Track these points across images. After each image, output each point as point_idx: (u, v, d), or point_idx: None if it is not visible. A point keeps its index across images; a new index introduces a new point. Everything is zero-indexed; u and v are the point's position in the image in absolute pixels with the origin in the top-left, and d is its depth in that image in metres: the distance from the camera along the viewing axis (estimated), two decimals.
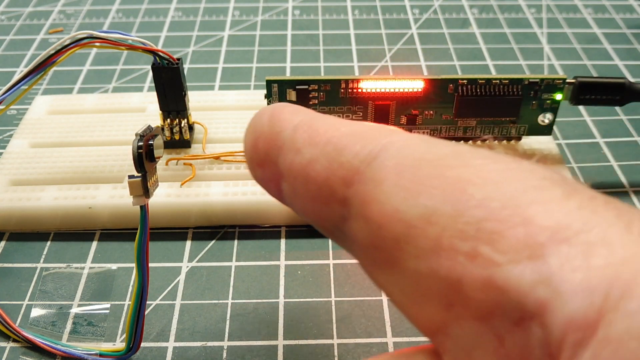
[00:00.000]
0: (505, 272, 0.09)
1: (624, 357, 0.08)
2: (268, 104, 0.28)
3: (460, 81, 0.28)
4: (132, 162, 0.19)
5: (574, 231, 0.09)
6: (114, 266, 0.27)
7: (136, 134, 0.20)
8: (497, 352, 0.10)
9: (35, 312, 0.25)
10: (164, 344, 0.23)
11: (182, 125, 0.29)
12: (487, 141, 0.30)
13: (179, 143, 0.30)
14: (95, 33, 0.25)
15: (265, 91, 0.28)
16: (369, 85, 0.27)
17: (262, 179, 0.15)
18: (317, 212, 0.13)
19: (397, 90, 0.28)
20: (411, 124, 0.29)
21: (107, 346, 0.23)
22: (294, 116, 0.14)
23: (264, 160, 0.14)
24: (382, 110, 0.28)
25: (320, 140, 0.13)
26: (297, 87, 0.27)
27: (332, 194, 0.12)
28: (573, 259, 0.09)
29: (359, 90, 0.28)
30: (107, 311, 0.25)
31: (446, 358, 0.11)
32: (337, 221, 0.12)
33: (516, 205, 0.10)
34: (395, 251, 0.11)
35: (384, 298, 0.25)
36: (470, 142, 0.30)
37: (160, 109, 0.29)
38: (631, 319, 0.08)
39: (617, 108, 0.36)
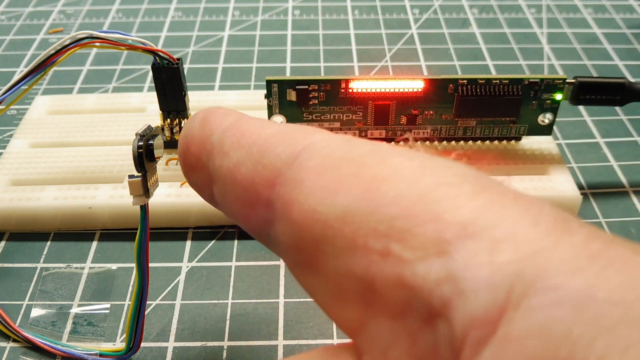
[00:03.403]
0: (413, 269, 0.09)
1: (522, 356, 0.08)
2: (268, 104, 0.28)
3: (460, 81, 0.28)
4: (132, 162, 0.19)
5: (480, 227, 0.09)
6: (114, 266, 0.27)
7: (136, 134, 0.19)
8: (410, 350, 0.09)
9: (35, 312, 0.25)
10: (164, 344, 0.23)
11: (182, 125, 0.29)
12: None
13: None
14: (95, 33, 0.25)
15: (265, 91, 0.28)
16: (369, 85, 0.27)
17: (195, 184, 0.14)
18: (244, 215, 0.13)
19: (397, 90, 0.28)
20: (411, 124, 0.29)
21: (107, 346, 0.23)
22: (224, 119, 0.13)
23: (196, 165, 0.14)
24: (382, 110, 0.28)
25: (246, 142, 0.13)
26: (297, 87, 0.27)
27: (257, 197, 0.12)
28: (478, 255, 0.09)
29: (359, 90, 0.28)
30: (107, 311, 0.25)
31: (365, 358, 0.10)
32: (263, 224, 0.12)
33: (427, 202, 0.10)
34: (315, 252, 0.11)
35: None
36: (466, 142, 0.30)
37: (160, 109, 0.29)
38: (531, 316, 0.08)
39: (617, 108, 0.36)
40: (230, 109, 0.14)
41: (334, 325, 0.24)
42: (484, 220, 0.09)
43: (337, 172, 0.11)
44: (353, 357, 0.11)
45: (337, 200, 0.10)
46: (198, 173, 0.14)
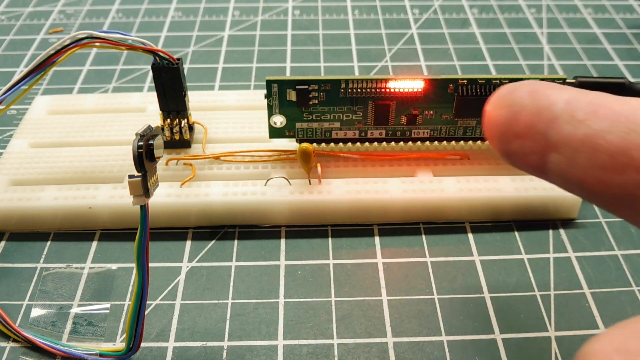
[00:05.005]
0: None
1: None
2: (268, 104, 0.28)
3: (460, 81, 0.28)
4: (132, 162, 0.19)
5: None
6: (114, 266, 0.27)
7: (136, 134, 0.20)
8: None
9: (35, 312, 0.25)
10: (164, 344, 0.23)
11: (182, 125, 0.29)
12: None
13: (179, 143, 0.30)
14: (95, 33, 0.25)
15: (265, 91, 0.28)
16: (369, 85, 0.27)
17: (518, 152, 0.15)
18: (603, 180, 0.14)
19: (397, 90, 0.28)
20: (411, 124, 0.29)
21: (107, 346, 0.23)
22: (562, 92, 0.15)
23: (526, 133, 0.15)
24: (382, 110, 0.28)
25: (607, 112, 0.14)
26: (297, 87, 0.27)
27: (629, 162, 0.13)
28: None
29: (359, 90, 0.28)
30: (107, 311, 0.25)
31: None
32: (631, 188, 0.13)
33: None
34: None
35: (384, 298, 0.25)
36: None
37: (160, 109, 0.29)
38: None
39: None
40: (556, 84, 0.15)
41: (334, 326, 0.24)
42: None
43: None
44: None
45: None
46: (527, 141, 0.15)
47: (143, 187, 0.20)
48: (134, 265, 0.25)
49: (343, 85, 0.27)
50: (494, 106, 0.16)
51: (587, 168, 0.14)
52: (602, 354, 0.12)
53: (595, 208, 0.29)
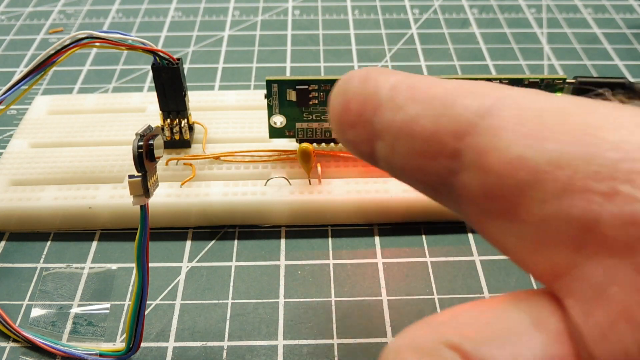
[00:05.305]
0: None
1: None
2: (268, 104, 0.28)
3: None
4: (132, 162, 0.19)
5: None
6: (114, 266, 0.27)
7: (136, 134, 0.20)
8: (637, 283, 0.10)
9: (35, 312, 0.25)
10: (164, 344, 0.23)
11: (182, 125, 0.29)
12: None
13: (179, 143, 0.30)
14: (95, 33, 0.25)
15: (265, 91, 0.28)
16: None
17: (352, 141, 0.15)
18: (421, 167, 0.13)
19: None
20: None
21: (107, 346, 0.23)
22: (389, 77, 0.14)
23: (357, 121, 0.14)
24: None
25: (423, 96, 0.13)
26: (297, 87, 0.27)
27: (440, 148, 0.12)
28: None
29: None
30: (107, 311, 0.25)
31: (571, 300, 0.11)
32: (444, 175, 0.12)
33: None
34: (517, 198, 0.11)
35: (384, 298, 0.25)
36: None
37: (160, 109, 0.29)
38: None
39: None
40: (389, 68, 0.15)
41: (334, 326, 0.24)
42: None
43: (541, 120, 0.11)
44: (547, 301, 0.11)
45: (548, 146, 0.11)
46: (358, 129, 0.14)
47: (143, 187, 0.20)
48: (134, 265, 0.25)
49: None
50: (333, 95, 0.15)
51: (406, 155, 0.13)
52: (397, 351, 0.11)
53: None
